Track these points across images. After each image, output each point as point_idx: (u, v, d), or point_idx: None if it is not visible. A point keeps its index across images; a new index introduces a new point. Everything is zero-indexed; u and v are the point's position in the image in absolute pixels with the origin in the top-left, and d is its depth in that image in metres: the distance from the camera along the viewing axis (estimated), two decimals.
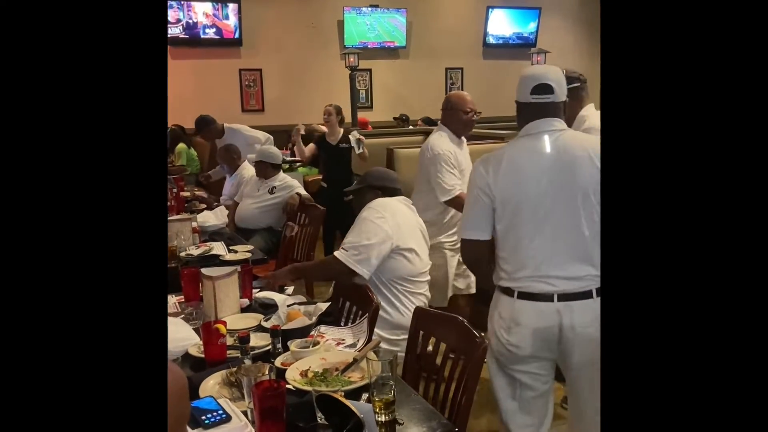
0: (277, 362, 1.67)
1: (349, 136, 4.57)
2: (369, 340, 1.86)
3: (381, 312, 2.14)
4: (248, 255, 2.85)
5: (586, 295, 1.69)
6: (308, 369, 1.60)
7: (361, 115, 7.45)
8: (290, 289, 2.39)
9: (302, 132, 5.09)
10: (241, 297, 2.17)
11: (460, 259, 2.94)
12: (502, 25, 8.99)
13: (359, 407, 1.31)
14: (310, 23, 8.11)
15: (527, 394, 1.81)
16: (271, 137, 5.45)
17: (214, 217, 3.61)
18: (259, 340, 1.82)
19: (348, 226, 2.40)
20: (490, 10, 8.82)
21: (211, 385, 1.56)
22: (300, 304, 2.15)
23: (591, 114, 2.54)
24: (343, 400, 1.33)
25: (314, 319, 1.99)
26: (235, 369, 1.56)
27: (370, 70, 8.42)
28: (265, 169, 4.03)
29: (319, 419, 1.37)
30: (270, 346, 1.76)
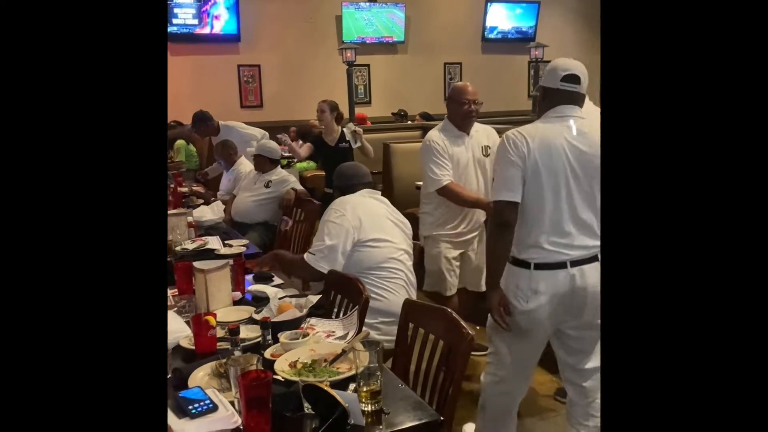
0: (267, 353, 1.69)
1: (344, 129, 4.44)
2: (359, 332, 1.87)
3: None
4: (243, 249, 2.87)
5: (593, 259, 1.89)
6: (297, 360, 1.62)
7: (359, 110, 7.46)
8: (278, 280, 2.42)
9: (287, 139, 4.87)
10: (233, 290, 2.18)
11: (470, 256, 2.98)
12: (500, 19, 8.97)
13: (344, 397, 1.33)
14: (308, 18, 8.11)
15: (531, 357, 2.03)
16: (267, 134, 5.46)
17: (210, 212, 3.63)
18: (249, 332, 1.84)
19: None
20: (489, 4, 8.80)
21: (201, 376, 1.57)
22: (291, 296, 2.17)
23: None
24: (329, 389, 1.34)
25: (305, 311, 2.00)
26: (224, 360, 1.58)
27: (368, 66, 8.42)
28: (264, 163, 4.05)
29: (305, 409, 1.38)
30: (260, 338, 1.77)
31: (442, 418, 1.44)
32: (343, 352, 1.63)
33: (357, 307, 1.96)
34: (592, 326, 1.94)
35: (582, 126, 1.91)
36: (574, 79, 1.92)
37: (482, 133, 2.98)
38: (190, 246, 2.91)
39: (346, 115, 7.06)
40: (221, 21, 7.65)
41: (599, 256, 1.88)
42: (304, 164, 6.35)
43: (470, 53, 8.98)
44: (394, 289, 2.31)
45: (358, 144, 4.46)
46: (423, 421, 1.38)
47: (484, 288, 3.00)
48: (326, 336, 1.86)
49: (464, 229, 2.94)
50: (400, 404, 1.45)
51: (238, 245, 2.96)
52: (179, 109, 6.47)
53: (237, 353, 1.62)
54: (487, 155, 2.94)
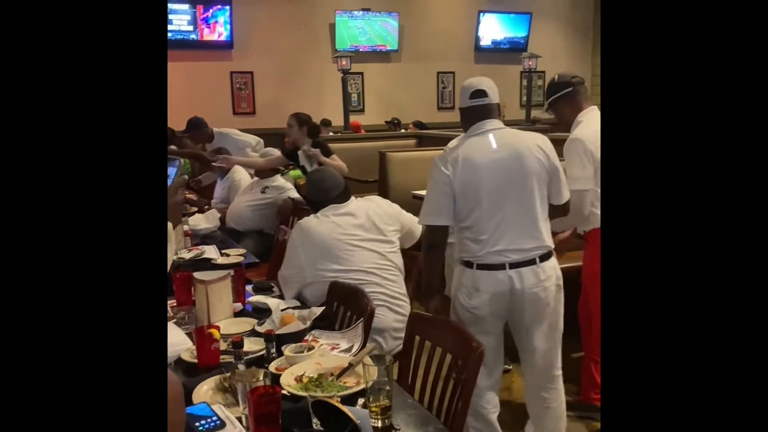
0: (272, 367, 1.65)
1: (299, 153, 3.99)
2: (364, 344, 1.85)
3: None
4: (240, 259, 2.83)
5: (531, 262, 2.02)
6: (303, 374, 1.58)
7: (353, 118, 7.44)
8: (278, 291, 2.39)
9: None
10: (234, 301, 2.14)
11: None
12: (493, 29, 9.01)
13: (355, 413, 1.30)
14: (302, 26, 8.10)
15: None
16: (261, 141, 5.42)
17: (205, 221, 3.59)
18: (252, 345, 1.80)
19: None
20: (482, 14, 8.84)
21: (205, 390, 1.54)
22: (294, 308, 2.13)
23: (584, 120, 2.41)
24: (340, 405, 1.31)
25: (308, 323, 1.97)
26: (228, 374, 1.54)
27: (361, 74, 8.42)
28: (264, 170, 4.04)
29: (314, 425, 1.35)
30: (264, 351, 1.74)
31: None
32: (350, 365, 1.60)
33: (362, 319, 1.93)
34: (532, 325, 2.07)
35: (502, 136, 2.05)
36: (480, 93, 2.06)
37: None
38: (187, 255, 2.87)
39: (341, 122, 7.06)
40: (214, 28, 7.62)
41: (538, 259, 2.03)
42: (298, 171, 6.32)
43: (463, 62, 9.01)
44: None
45: (314, 167, 3.90)
46: None
47: None
48: (331, 349, 1.83)
49: None
50: (409, 419, 1.43)
51: (235, 254, 2.93)
52: (171, 115, 6.42)
53: (241, 367, 1.59)
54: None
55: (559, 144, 2.26)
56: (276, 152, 4.38)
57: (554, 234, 2.41)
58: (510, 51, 9.01)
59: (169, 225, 1.36)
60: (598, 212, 2.29)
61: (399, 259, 2.36)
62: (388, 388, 1.40)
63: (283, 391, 1.47)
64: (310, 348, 1.74)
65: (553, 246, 2.10)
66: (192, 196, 4.79)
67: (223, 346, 1.75)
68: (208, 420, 1.33)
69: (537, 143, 2.05)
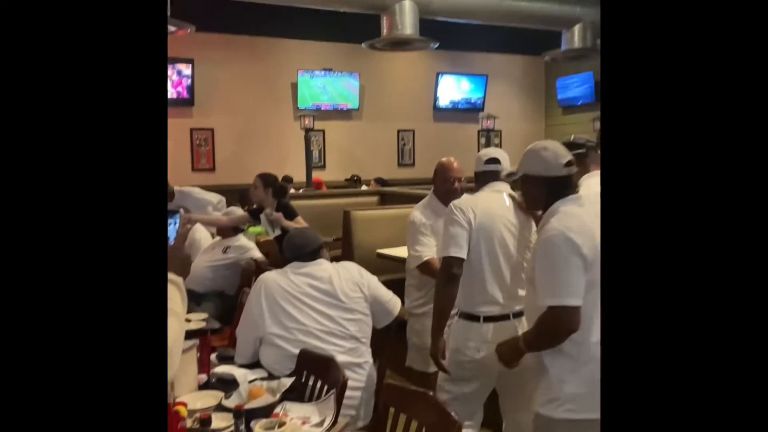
0: None
1: (261, 216, 3.94)
2: (337, 417, 1.78)
3: None
4: (203, 324, 2.73)
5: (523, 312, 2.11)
6: None
7: (315, 174, 7.47)
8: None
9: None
10: (199, 372, 2.05)
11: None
12: (451, 90, 9.30)
13: None
14: (264, 84, 8.18)
15: (477, 399, 2.27)
16: (223, 199, 5.37)
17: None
18: (220, 422, 1.72)
19: None
20: (440, 76, 9.13)
21: None
22: (262, 379, 2.06)
23: (584, 184, 2.32)
24: None
25: (278, 396, 1.89)
26: None
27: (323, 131, 8.50)
28: (227, 228, 3.96)
29: None
30: (233, 427, 1.66)
31: None
32: None
33: (334, 390, 1.87)
34: (531, 368, 1.94)
35: (512, 199, 2.27)
36: (495, 161, 2.33)
37: None
38: None
39: (303, 178, 7.06)
40: (176, 85, 7.61)
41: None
42: (258, 228, 6.24)
43: (422, 121, 9.22)
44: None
45: (277, 233, 3.85)
46: None
47: None
48: (302, 423, 1.76)
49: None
50: None
51: (197, 320, 2.82)
52: None
53: None
54: None
55: None
56: (239, 211, 4.32)
57: None
58: (467, 111, 9.29)
59: (179, 280, 1.33)
60: None
61: (359, 328, 2.25)
62: None
63: None
64: (281, 424, 1.67)
65: None
66: None
67: (189, 423, 1.66)
68: None
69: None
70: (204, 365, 2.11)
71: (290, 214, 3.94)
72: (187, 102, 7.69)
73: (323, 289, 2.25)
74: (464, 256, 2.14)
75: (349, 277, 2.31)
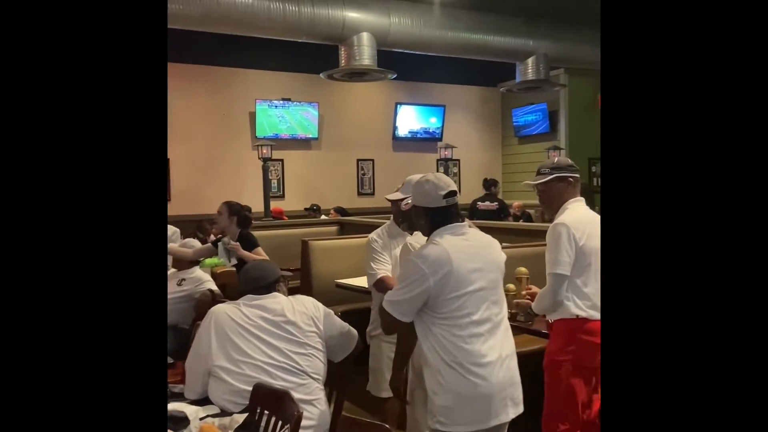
0: None
1: (219, 245, 3.91)
2: None
3: None
4: None
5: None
6: None
7: (274, 204, 7.40)
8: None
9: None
10: None
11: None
12: (410, 120, 9.41)
13: None
14: (221, 114, 8.13)
15: None
16: (178, 230, 5.26)
17: None
18: None
19: None
20: (399, 106, 9.24)
21: None
22: (213, 416, 1.98)
23: (570, 208, 2.39)
24: None
25: None
26: None
27: (282, 160, 8.47)
28: (183, 260, 3.87)
29: None
30: None
31: None
32: None
33: (288, 426, 1.81)
34: None
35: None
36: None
37: None
38: None
39: (261, 208, 6.99)
40: None
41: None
42: (214, 260, 6.12)
43: (382, 150, 9.29)
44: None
45: (233, 262, 3.86)
46: None
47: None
48: None
49: None
50: None
51: None
52: None
53: None
54: None
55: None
56: (195, 243, 4.25)
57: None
58: (426, 140, 9.41)
59: None
60: (570, 303, 2.28)
61: (310, 363, 2.18)
62: None
63: None
64: None
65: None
66: None
67: None
68: None
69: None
70: None
71: (251, 245, 3.91)
72: None
73: (275, 321, 2.18)
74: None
75: (304, 311, 2.25)
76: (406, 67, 7.47)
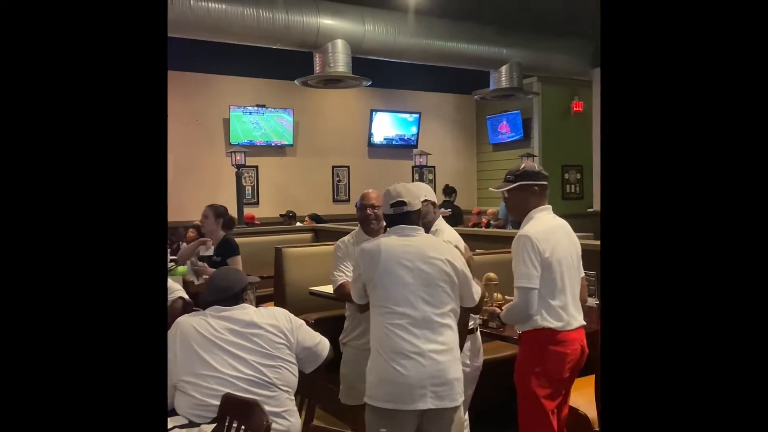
0: None
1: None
2: None
3: None
4: None
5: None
6: None
7: (248, 211, 7.34)
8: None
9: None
10: None
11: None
12: (385, 127, 9.43)
13: None
14: (195, 120, 8.05)
15: None
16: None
17: None
18: None
19: None
20: (374, 113, 9.26)
21: None
22: (181, 427, 1.95)
23: (535, 217, 2.36)
24: None
25: None
26: None
27: (256, 167, 8.41)
28: None
29: None
30: None
31: None
32: None
33: None
34: None
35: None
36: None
37: None
38: None
39: (235, 215, 6.92)
40: None
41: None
42: (185, 268, 6.05)
43: (357, 157, 9.29)
44: None
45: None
46: None
47: None
48: None
49: None
50: None
51: None
52: None
53: None
54: None
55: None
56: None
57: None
58: (401, 147, 9.43)
59: None
60: (538, 317, 2.24)
61: (280, 375, 2.14)
62: None
63: None
64: None
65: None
66: None
67: None
68: None
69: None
70: None
71: (231, 251, 3.98)
72: None
73: (243, 333, 2.13)
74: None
75: (274, 323, 2.19)
76: (381, 74, 7.49)
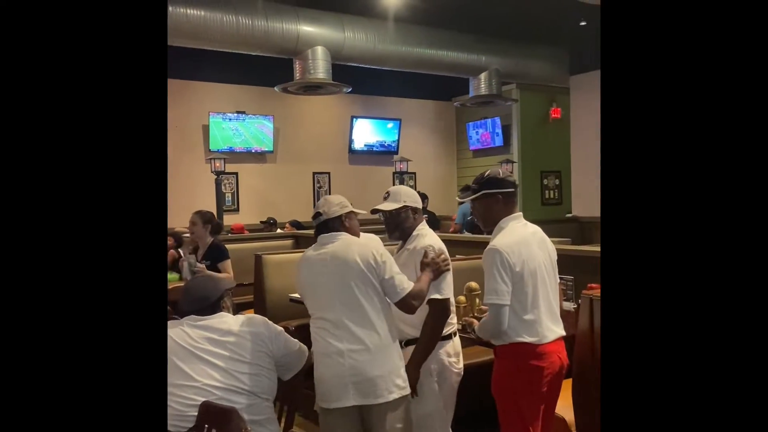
0: None
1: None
2: None
3: None
4: None
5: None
6: None
7: (228, 218, 7.30)
8: None
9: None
10: None
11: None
12: (366, 133, 9.45)
13: None
14: (173, 126, 7.98)
15: None
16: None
17: None
18: None
19: None
20: (355, 119, 9.28)
21: None
22: None
23: (506, 228, 2.28)
24: None
25: None
26: None
27: (236, 174, 8.37)
28: None
29: None
30: None
31: None
32: None
33: None
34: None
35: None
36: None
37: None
38: None
39: None
40: None
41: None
42: (176, 276, 5.99)
43: (338, 164, 9.29)
44: None
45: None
46: None
47: None
48: None
49: None
50: None
51: None
52: None
53: None
54: None
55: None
56: None
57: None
58: (382, 154, 9.46)
59: None
60: (512, 332, 2.17)
61: (258, 383, 2.11)
62: None
63: None
64: None
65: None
66: None
67: None
68: None
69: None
70: None
71: (221, 255, 3.99)
72: None
73: (221, 341, 2.10)
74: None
75: (253, 331, 2.16)
76: (361, 80, 7.51)
